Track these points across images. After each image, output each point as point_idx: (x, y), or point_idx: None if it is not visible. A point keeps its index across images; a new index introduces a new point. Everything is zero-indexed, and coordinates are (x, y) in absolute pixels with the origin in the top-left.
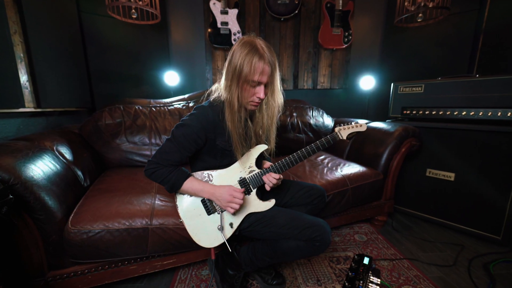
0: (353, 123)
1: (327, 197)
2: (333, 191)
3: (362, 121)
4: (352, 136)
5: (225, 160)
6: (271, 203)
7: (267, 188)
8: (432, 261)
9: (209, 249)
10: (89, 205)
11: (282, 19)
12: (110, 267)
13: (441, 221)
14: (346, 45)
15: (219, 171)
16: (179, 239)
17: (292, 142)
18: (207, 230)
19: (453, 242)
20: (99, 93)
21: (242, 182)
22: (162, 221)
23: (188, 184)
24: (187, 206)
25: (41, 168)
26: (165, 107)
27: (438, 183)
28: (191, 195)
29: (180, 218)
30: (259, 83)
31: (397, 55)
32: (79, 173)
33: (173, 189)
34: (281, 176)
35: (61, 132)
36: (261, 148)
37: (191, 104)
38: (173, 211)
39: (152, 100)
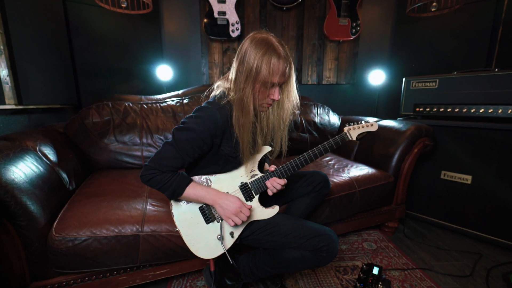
0: (363, 122)
1: (333, 201)
2: (340, 193)
3: (372, 119)
4: (362, 136)
5: (227, 166)
6: (274, 210)
7: (270, 193)
8: (447, 271)
9: (207, 259)
10: (75, 210)
11: (284, 9)
12: (98, 277)
13: (457, 228)
14: (353, 37)
15: (218, 175)
16: (173, 247)
17: (296, 142)
18: (206, 240)
19: (470, 251)
20: (86, 89)
21: (244, 187)
22: (154, 227)
23: (190, 190)
24: (184, 214)
25: (23, 170)
26: (158, 104)
27: (454, 187)
28: (191, 202)
29: (176, 227)
30: (276, 84)
31: (409, 48)
32: (64, 175)
33: (174, 196)
34: (286, 181)
35: (45, 131)
36: (264, 150)
37: (185, 101)
38: (166, 217)
39: (143, 97)
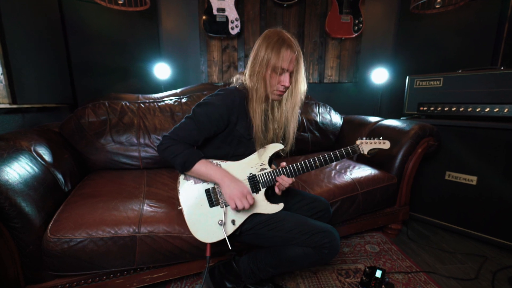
0: (376, 139)
1: (335, 204)
2: (342, 196)
3: (375, 119)
4: (374, 152)
5: (240, 149)
6: (279, 206)
7: (277, 191)
8: (451, 274)
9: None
10: (71, 211)
11: (285, 5)
12: (94, 280)
13: (461, 230)
14: (356, 34)
15: (229, 162)
16: (171, 249)
17: (297, 141)
18: (207, 223)
19: (475, 253)
20: (82, 87)
21: (252, 179)
22: (151, 228)
23: (201, 164)
24: (189, 193)
25: (17, 170)
26: (155, 103)
27: (459, 188)
28: (199, 178)
29: (180, 205)
30: (286, 71)
31: (413, 45)
32: (60, 176)
33: (185, 167)
34: (294, 180)
35: (40, 131)
36: (277, 147)
37: (183, 100)
38: (164, 218)
39: (140, 96)
